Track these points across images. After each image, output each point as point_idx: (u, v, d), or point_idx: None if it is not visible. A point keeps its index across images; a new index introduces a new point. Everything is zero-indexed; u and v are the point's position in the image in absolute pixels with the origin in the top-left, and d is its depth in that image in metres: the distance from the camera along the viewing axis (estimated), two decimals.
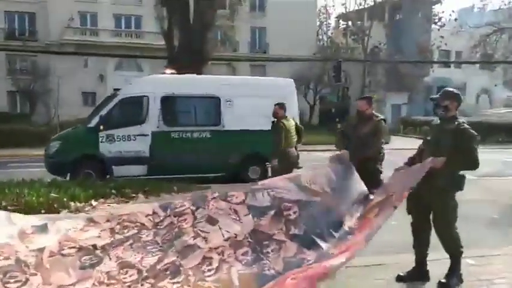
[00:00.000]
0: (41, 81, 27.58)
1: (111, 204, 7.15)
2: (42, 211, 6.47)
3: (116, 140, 8.99)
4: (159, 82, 9.44)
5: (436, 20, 35.93)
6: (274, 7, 32.99)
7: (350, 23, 36.36)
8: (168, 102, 9.35)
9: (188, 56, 19.02)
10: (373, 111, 5.49)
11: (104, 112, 9.03)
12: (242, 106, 9.45)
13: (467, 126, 3.57)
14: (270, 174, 9.96)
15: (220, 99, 9.49)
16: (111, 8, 30.40)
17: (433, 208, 3.72)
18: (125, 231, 3.31)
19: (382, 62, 33.40)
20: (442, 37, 33.32)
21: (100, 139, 8.91)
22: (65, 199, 6.76)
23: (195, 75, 10.14)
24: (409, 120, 32.60)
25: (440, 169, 3.51)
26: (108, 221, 3.38)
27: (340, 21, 38.36)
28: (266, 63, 33.10)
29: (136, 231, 3.26)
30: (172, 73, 9.97)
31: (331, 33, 36.87)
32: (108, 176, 8.98)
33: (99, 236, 3.15)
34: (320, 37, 37.14)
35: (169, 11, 19.99)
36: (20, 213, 6.25)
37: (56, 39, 28.81)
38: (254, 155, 9.79)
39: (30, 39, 29.99)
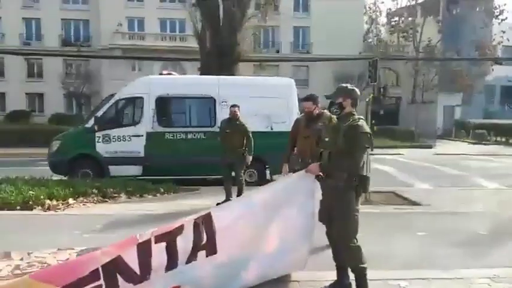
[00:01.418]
0: (90, 84, 29.23)
1: (87, 204, 7.25)
2: (18, 207, 6.74)
3: (112, 140, 9.14)
4: (154, 83, 9.46)
5: (497, 14, 33.04)
6: (318, 6, 32.30)
7: (400, 19, 34.60)
8: (163, 103, 9.35)
9: (218, 58, 19.17)
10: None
11: (100, 113, 9.22)
12: (244, 107, 9.19)
13: (360, 124, 3.21)
14: (268, 177, 9.69)
15: (215, 100, 9.32)
16: (156, 12, 31.48)
17: (330, 212, 3.34)
18: (28, 269, 3.78)
19: (435, 60, 31.36)
20: (503, 32, 30.66)
21: (97, 139, 9.10)
22: (42, 197, 6.94)
23: (193, 75, 10.07)
24: (462, 123, 30.40)
25: (331, 170, 3.30)
26: (21, 259, 4.08)
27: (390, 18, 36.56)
28: (309, 63, 32.58)
29: (36, 269, 3.68)
30: (168, 74, 9.95)
31: (379, 31, 35.21)
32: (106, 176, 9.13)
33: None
34: (368, 35, 35.74)
35: (201, 13, 20.23)
36: None
37: (106, 44, 30.37)
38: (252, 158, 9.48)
39: (84, 44, 31.90)
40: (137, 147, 9.20)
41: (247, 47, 25.55)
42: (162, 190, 8.32)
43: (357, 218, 3.30)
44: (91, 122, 9.18)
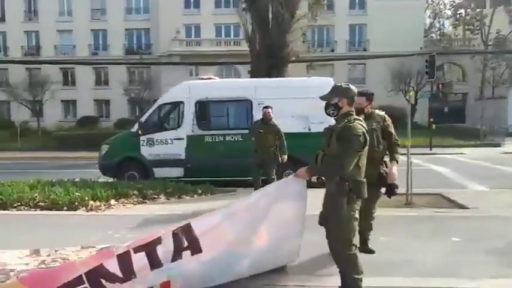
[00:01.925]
0: (150, 90, 30.69)
1: (127, 204, 7.61)
2: (64, 208, 7.26)
3: (155, 143, 9.53)
4: (193, 88, 9.70)
5: None
6: (375, 2, 31.30)
7: (466, 11, 32.44)
8: (202, 107, 9.57)
9: (267, 59, 19.25)
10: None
11: (143, 118, 9.65)
12: (278, 109, 9.18)
13: (353, 125, 3.07)
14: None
15: (252, 102, 9.37)
16: (212, 18, 32.33)
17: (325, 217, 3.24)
18: (51, 264, 4.09)
19: (505, 52, 28.98)
20: None
21: (141, 143, 9.54)
22: (86, 198, 7.41)
23: (230, 79, 10.24)
24: None
25: (319, 173, 3.34)
26: (48, 255, 4.40)
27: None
28: (366, 61, 31.62)
29: (58, 264, 4.00)
30: (208, 78, 10.16)
31: (442, 25, 33.28)
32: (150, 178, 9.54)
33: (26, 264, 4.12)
34: (431, 30, 33.95)
35: (251, 16, 20.44)
36: (47, 208, 7.13)
37: (164, 51, 31.75)
38: (288, 159, 9.43)
39: (145, 52, 33.62)
40: (178, 150, 9.50)
41: (300, 47, 25.43)
42: (199, 191, 8.51)
43: (352, 224, 3.13)
44: (136, 126, 9.64)
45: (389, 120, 4.52)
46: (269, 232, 3.54)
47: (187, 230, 3.17)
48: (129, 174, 9.63)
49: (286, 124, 8.93)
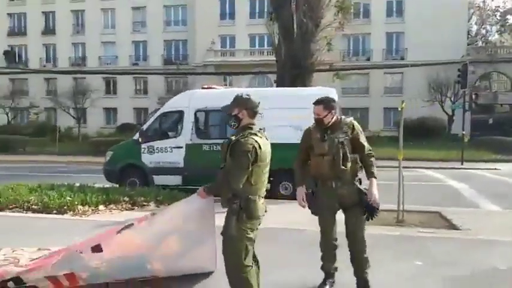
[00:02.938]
0: None
1: (114, 211, 7.76)
2: (54, 211, 7.53)
3: (155, 151, 9.68)
4: (193, 97, 9.78)
5: None
6: (413, 9, 30.29)
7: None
8: (201, 116, 9.62)
9: (291, 69, 19.12)
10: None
11: (144, 126, 9.86)
12: (273, 118, 9.01)
13: (244, 140, 2.95)
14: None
15: None
16: (246, 29, 32.69)
17: None
18: (2, 263, 4.26)
19: None
20: None
21: (142, 150, 9.73)
22: (76, 202, 7.65)
23: (232, 88, 10.19)
24: None
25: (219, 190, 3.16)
26: (4, 254, 4.60)
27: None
28: (403, 70, 30.57)
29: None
30: (209, 88, 10.20)
31: (487, 32, 31.58)
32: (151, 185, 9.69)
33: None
34: (475, 37, 32.30)
35: (278, 26, 20.43)
36: (39, 211, 7.42)
37: (200, 62, 32.46)
38: (285, 170, 9.24)
39: (182, 63, 34.55)
40: (177, 158, 9.59)
41: (328, 56, 25.01)
42: None
43: (241, 245, 2.96)
44: (137, 134, 9.85)
45: (359, 129, 3.79)
46: (178, 241, 3.70)
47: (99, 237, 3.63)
48: (131, 180, 9.82)
49: (282, 134, 8.81)
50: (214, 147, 9.49)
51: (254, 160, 2.93)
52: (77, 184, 9.06)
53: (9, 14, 38.79)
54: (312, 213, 3.84)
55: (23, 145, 26.53)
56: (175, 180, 9.64)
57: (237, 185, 2.90)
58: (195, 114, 9.58)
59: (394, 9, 32.04)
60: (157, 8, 35.10)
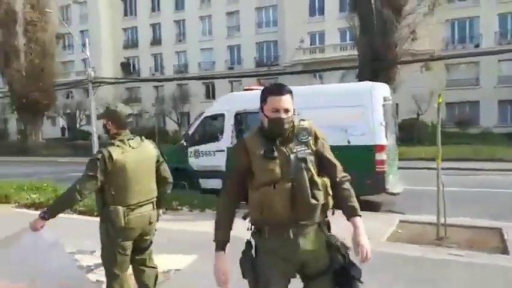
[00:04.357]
0: None
1: None
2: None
3: (201, 155, 9.76)
4: (233, 100, 9.59)
5: None
6: None
7: None
8: (241, 119, 9.39)
9: (372, 62, 17.87)
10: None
11: (190, 130, 9.98)
12: (311, 118, 8.38)
13: (100, 149, 3.08)
14: None
15: None
16: (337, 23, 31.47)
17: None
18: None
19: None
20: None
21: (189, 154, 9.89)
22: None
23: None
24: None
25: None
26: None
27: None
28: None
29: None
30: (250, 89, 9.87)
31: None
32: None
33: None
34: None
35: (358, 17, 19.26)
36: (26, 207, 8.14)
37: (289, 61, 32.25)
38: None
39: (273, 63, 34.75)
40: (220, 161, 9.51)
41: (431, 45, 22.71)
42: None
43: (109, 252, 3.04)
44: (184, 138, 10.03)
45: (323, 138, 2.33)
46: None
47: None
48: (180, 183, 10.05)
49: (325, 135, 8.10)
50: None
51: (104, 168, 2.91)
52: None
53: (124, 29, 43.32)
54: None
55: None
56: (219, 184, 9.56)
57: (80, 188, 2.89)
58: (235, 117, 9.40)
59: None
60: (249, 11, 35.86)
